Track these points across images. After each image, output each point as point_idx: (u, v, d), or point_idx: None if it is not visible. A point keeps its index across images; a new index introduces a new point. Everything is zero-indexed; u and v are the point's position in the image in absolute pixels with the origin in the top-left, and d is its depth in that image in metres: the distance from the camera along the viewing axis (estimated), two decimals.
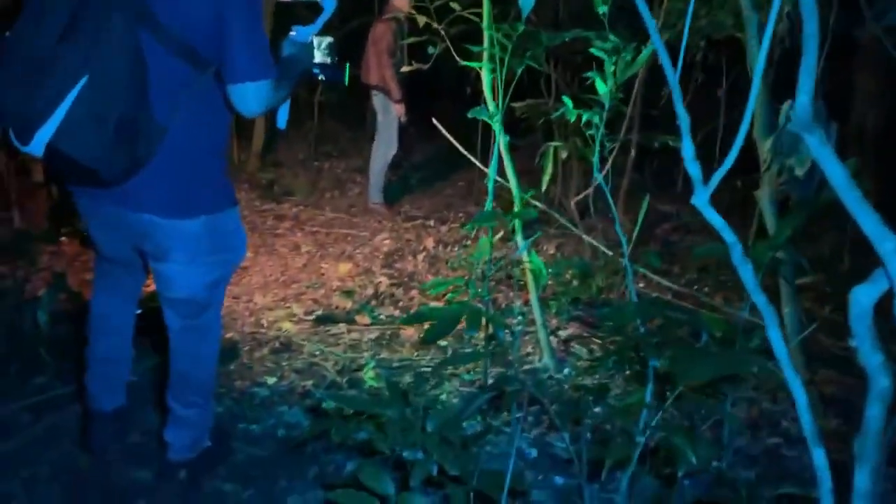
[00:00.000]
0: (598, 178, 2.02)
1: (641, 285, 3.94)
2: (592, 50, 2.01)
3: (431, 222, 5.11)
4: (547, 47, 2.12)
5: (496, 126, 2.32)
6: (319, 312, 3.38)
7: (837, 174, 1.13)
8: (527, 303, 3.65)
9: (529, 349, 3.14)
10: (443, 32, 3.12)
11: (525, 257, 2.32)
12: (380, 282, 3.86)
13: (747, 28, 2.63)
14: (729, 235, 1.14)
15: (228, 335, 3.09)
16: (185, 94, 1.65)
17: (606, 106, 2.01)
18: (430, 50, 3.13)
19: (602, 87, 2.00)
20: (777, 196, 2.80)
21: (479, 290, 2.33)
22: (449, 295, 2.94)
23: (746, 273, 1.16)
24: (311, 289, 3.69)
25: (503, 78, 2.19)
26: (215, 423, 2.14)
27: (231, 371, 2.77)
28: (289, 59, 1.81)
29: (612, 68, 1.96)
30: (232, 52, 1.62)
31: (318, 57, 1.90)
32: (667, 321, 2.00)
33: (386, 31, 5.03)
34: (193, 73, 1.64)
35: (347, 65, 2.01)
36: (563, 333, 3.34)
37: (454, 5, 3.06)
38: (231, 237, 1.88)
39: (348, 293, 3.63)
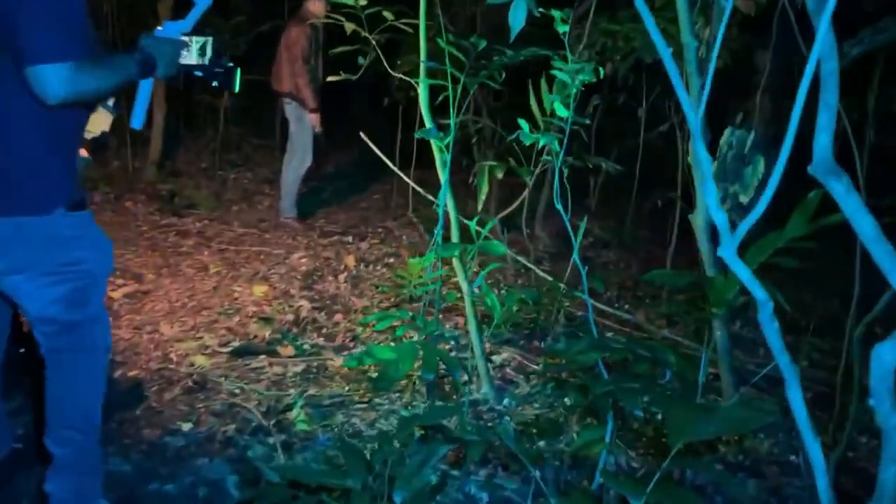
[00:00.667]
0: (559, 207, 1.90)
1: (566, 304, 3.89)
2: (555, 71, 1.89)
3: (350, 238, 4.86)
4: (504, 65, 1.99)
5: (439, 149, 2.16)
6: (236, 343, 3.06)
7: (866, 225, 1.04)
8: (460, 326, 3.52)
9: (464, 377, 2.99)
10: (373, 42, 2.92)
11: (476, 291, 2.18)
12: (300, 305, 3.58)
13: (685, 54, 2.62)
14: (760, 293, 1.03)
15: (132, 373, 2.73)
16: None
17: (567, 130, 1.90)
18: (361, 60, 2.92)
19: (563, 111, 1.89)
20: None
21: (423, 321, 2.14)
22: (379, 324, 2.73)
23: (773, 334, 1.06)
24: (224, 315, 3.36)
25: (456, 96, 2.04)
26: (121, 482, 1.84)
27: (137, 417, 2.42)
28: (137, 51, 1.63)
29: (575, 90, 1.85)
30: (27, 29, 1.46)
31: (191, 58, 1.71)
32: (631, 358, 1.91)
33: (300, 35, 4.75)
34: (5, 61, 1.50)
35: (238, 70, 1.82)
36: (497, 359, 3.22)
37: (386, 14, 2.88)
38: (73, 244, 1.66)
39: (266, 320, 3.33)
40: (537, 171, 3.65)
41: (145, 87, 1.70)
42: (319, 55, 4.88)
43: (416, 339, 2.45)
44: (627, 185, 5.30)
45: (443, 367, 3.08)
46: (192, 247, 4.33)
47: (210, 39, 1.72)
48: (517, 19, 1.24)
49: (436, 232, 2.16)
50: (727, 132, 2.77)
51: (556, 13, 1.80)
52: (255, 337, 3.16)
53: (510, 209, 4.39)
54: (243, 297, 3.62)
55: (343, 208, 5.68)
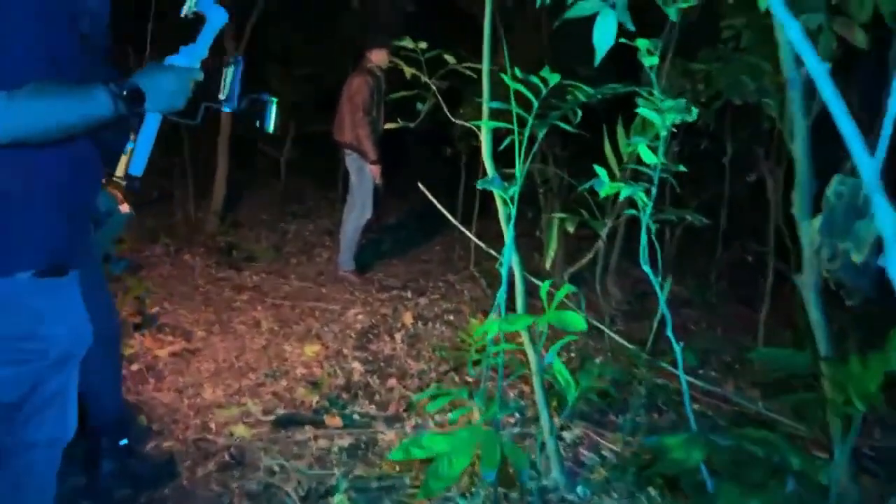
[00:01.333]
0: (647, 269, 1.57)
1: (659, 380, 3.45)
2: (641, 109, 1.60)
3: (409, 293, 4.62)
4: (579, 104, 1.72)
5: (504, 201, 1.88)
6: (281, 411, 2.82)
7: None
8: (526, 395, 3.17)
9: (532, 457, 2.63)
10: (433, 87, 2.73)
11: (549, 367, 1.86)
12: (353, 368, 3.32)
13: (790, 92, 2.27)
14: None
15: (167, 444, 2.51)
16: None
17: (655, 180, 1.59)
18: (420, 106, 2.72)
19: (650, 157, 1.58)
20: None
21: (484, 401, 1.83)
22: (431, 403, 2.41)
23: None
24: (271, 378, 3.13)
25: (522, 141, 1.77)
26: None
27: (165, 497, 2.18)
28: (106, 81, 1.31)
29: (665, 133, 1.55)
30: None
31: (225, 91, 1.47)
32: (740, 456, 1.53)
33: (362, 85, 4.65)
34: None
35: (275, 103, 1.53)
36: (567, 436, 2.84)
37: (448, 58, 2.68)
38: (37, 318, 1.33)
39: (315, 384, 3.08)
40: (611, 223, 3.34)
41: (148, 127, 1.42)
42: (381, 106, 4.77)
43: (475, 421, 2.13)
44: (708, 238, 4.88)
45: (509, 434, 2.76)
46: (247, 302, 4.18)
47: (231, 70, 1.47)
48: (604, 36, 0.97)
49: (498, 297, 1.87)
50: (836, 180, 2.38)
51: (641, 42, 1.53)
52: (302, 404, 2.91)
53: (580, 264, 4.06)
54: (293, 357, 3.40)
55: (403, 261, 5.47)
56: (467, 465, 1.52)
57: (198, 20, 1.53)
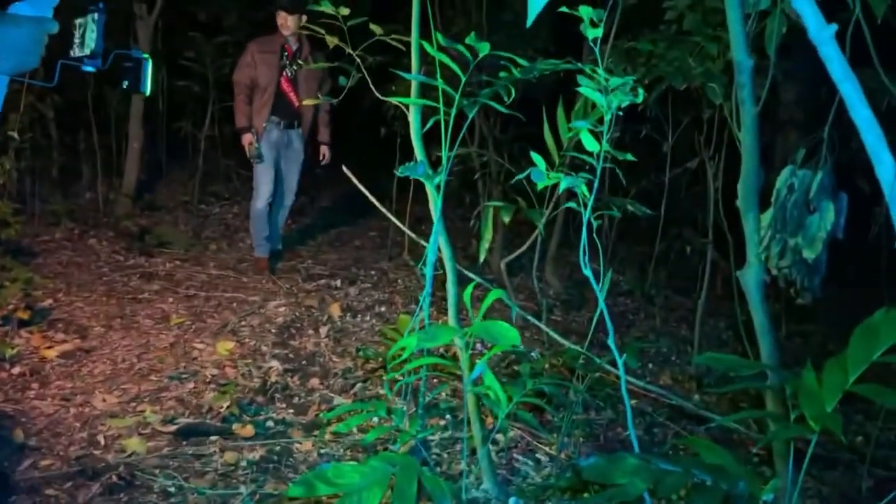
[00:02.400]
0: (587, 272, 1.38)
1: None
2: (583, 89, 1.38)
3: (338, 282, 4.34)
4: (514, 81, 1.49)
5: (431, 189, 1.65)
6: (184, 420, 2.52)
7: None
8: (458, 392, 2.97)
9: (462, 466, 2.44)
10: (358, 61, 2.45)
11: (478, 381, 1.65)
12: (270, 367, 3.05)
13: (738, 77, 2.11)
14: None
15: (45, 463, 2.19)
16: None
17: (598, 170, 1.39)
18: (342, 81, 2.44)
19: (592, 144, 1.38)
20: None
21: (403, 418, 1.61)
22: (342, 424, 2.17)
23: None
24: (176, 381, 2.82)
25: (449, 122, 1.53)
26: None
27: None
28: None
29: (609, 116, 1.34)
30: None
31: (78, 48, 1.21)
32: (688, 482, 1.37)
33: (244, 54, 4.20)
34: None
35: (149, 63, 1.28)
36: (500, 438, 2.66)
37: (375, 28, 2.40)
38: None
39: (226, 387, 2.79)
40: (549, 213, 3.16)
41: None
42: (298, 76, 4.21)
43: (393, 444, 1.91)
44: (645, 227, 4.80)
45: (439, 439, 2.55)
46: (156, 293, 3.81)
47: (92, 18, 1.20)
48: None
49: (421, 300, 1.64)
50: (786, 172, 2.25)
51: (584, 10, 1.31)
52: (210, 410, 2.61)
53: (517, 253, 3.88)
54: (204, 356, 3.09)
55: (333, 248, 5.18)
56: (381, 499, 1.29)
57: None
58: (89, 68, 1.26)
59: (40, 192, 4.82)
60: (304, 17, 4.00)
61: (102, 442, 2.33)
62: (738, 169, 2.16)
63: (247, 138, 4.14)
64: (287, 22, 4.05)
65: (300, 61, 4.16)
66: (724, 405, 3.28)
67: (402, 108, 2.51)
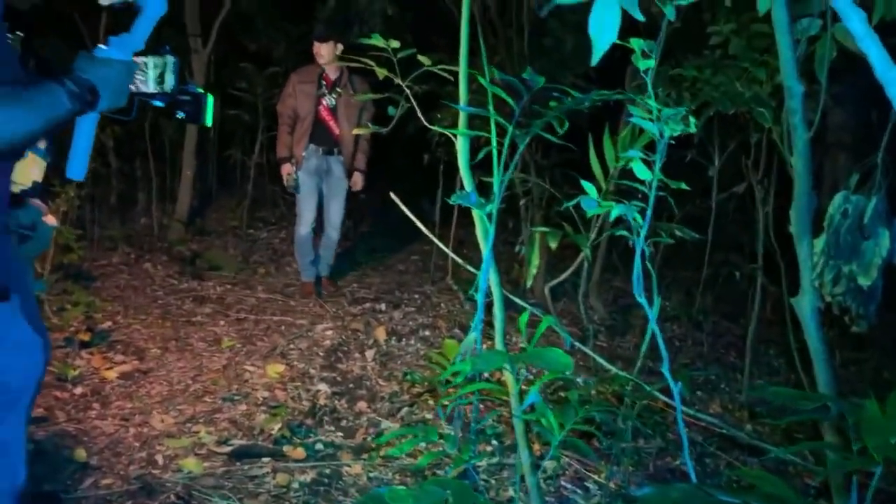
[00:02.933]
0: (642, 300, 1.38)
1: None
2: (634, 119, 1.41)
3: (382, 306, 4.40)
4: (567, 111, 1.52)
5: (482, 217, 1.68)
6: (237, 442, 2.58)
7: None
8: (505, 418, 2.97)
9: (510, 493, 2.43)
10: (406, 90, 2.52)
11: (529, 408, 1.66)
12: (319, 390, 3.10)
13: (789, 103, 2.10)
14: None
15: (106, 482, 2.27)
16: None
17: (651, 198, 1.40)
18: (391, 111, 2.50)
19: (644, 172, 1.40)
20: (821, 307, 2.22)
21: (456, 444, 1.62)
22: (396, 447, 2.19)
23: None
24: (228, 403, 2.90)
25: (502, 152, 1.57)
26: None
27: None
28: (61, 79, 1.18)
29: (663, 145, 1.36)
30: None
31: (148, 85, 1.30)
32: None
33: (286, 84, 4.36)
34: None
35: (210, 98, 1.39)
36: (549, 465, 2.65)
37: (423, 59, 2.47)
38: None
39: (277, 409, 2.85)
40: (595, 238, 3.16)
41: (86, 126, 1.27)
42: (339, 106, 4.27)
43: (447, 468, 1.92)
44: (691, 250, 4.74)
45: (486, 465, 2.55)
46: (208, 315, 3.93)
47: (170, 61, 1.31)
48: (605, 29, 0.77)
49: (473, 326, 1.66)
50: (839, 198, 2.21)
51: (636, 42, 1.34)
52: (262, 432, 2.67)
53: (561, 278, 3.88)
54: (254, 378, 3.16)
55: (378, 272, 5.25)
56: None
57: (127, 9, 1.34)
58: (159, 103, 1.36)
59: (99, 219, 5.03)
60: (340, 46, 4.15)
61: (160, 461, 2.40)
62: (787, 193, 2.14)
63: (285, 168, 4.26)
64: (320, 51, 4.14)
65: (339, 90, 4.24)
66: (777, 435, 3.19)
67: (447, 135, 2.56)
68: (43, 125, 1.15)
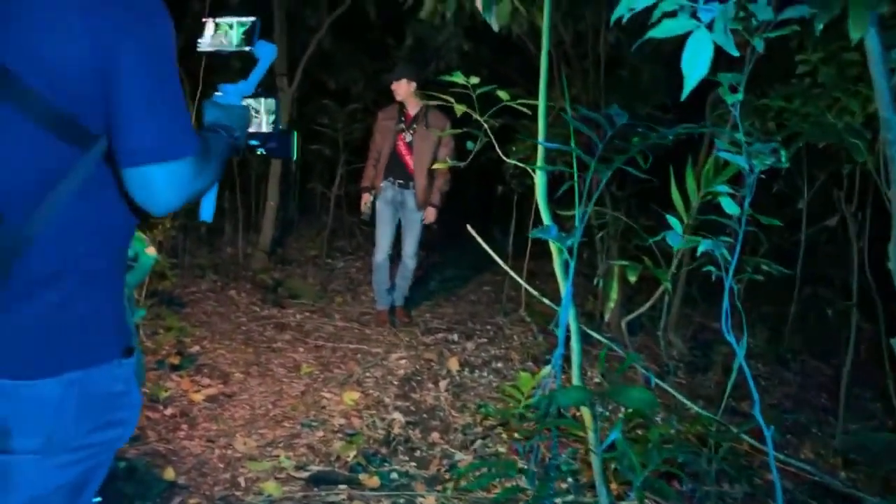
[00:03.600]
0: (730, 338, 1.34)
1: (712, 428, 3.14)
2: (721, 153, 1.39)
3: (455, 336, 4.42)
4: (651, 146, 1.52)
5: (563, 251, 1.68)
6: (315, 467, 2.64)
7: None
8: (581, 455, 2.90)
9: None
10: (485, 126, 2.57)
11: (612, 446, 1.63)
12: (393, 419, 3.13)
13: (885, 134, 2.01)
14: None
15: (192, 500, 2.36)
16: (57, 185, 1.04)
17: (740, 235, 1.37)
18: (470, 146, 2.55)
19: (733, 208, 1.37)
20: None
21: (534, 479, 1.61)
22: (475, 482, 2.18)
23: None
24: (307, 429, 2.97)
25: (583, 187, 1.58)
26: None
27: None
28: (211, 128, 1.23)
29: (752, 181, 1.33)
30: (129, 119, 1.04)
31: (259, 124, 1.37)
32: None
33: (375, 121, 4.58)
34: (70, 154, 1.04)
35: (295, 133, 1.45)
36: None
37: (501, 94, 2.52)
38: (116, 404, 1.17)
39: (353, 436, 2.89)
40: (675, 271, 3.08)
41: None
42: (417, 140, 4.38)
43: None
44: (775, 284, 4.54)
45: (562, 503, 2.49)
46: (288, 342, 4.06)
47: (274, 102, 1.38)
48: (697, 62, 0.78)
49: (553, 362, 1.65)
50: None
51: (723, 77, 1.33)
52: (338, 459, 2.72)
53: (639, 312, 3.79)
54: (331, 405, 3.23)
55: (451, 302, 5.29)
56: None
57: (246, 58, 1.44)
58: (255, 142, 1.44)
59: (190, 248, 5.32)
60: (413, 84, 4.31)
61: (243, 483, 2.48)
62: (883, 226, 2.03)
63: (363, 198, 4.51)
64: (397, 89, 4.33)
65: (414, 126, 4.36)
66: (875, 484, 2.97)
67: (521, 166, 2.59)
68: (219, 173, 1.22)
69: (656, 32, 0.83)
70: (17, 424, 1.07)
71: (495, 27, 2.93)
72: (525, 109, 2.63)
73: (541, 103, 2.11)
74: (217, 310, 4.49)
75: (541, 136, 1.99)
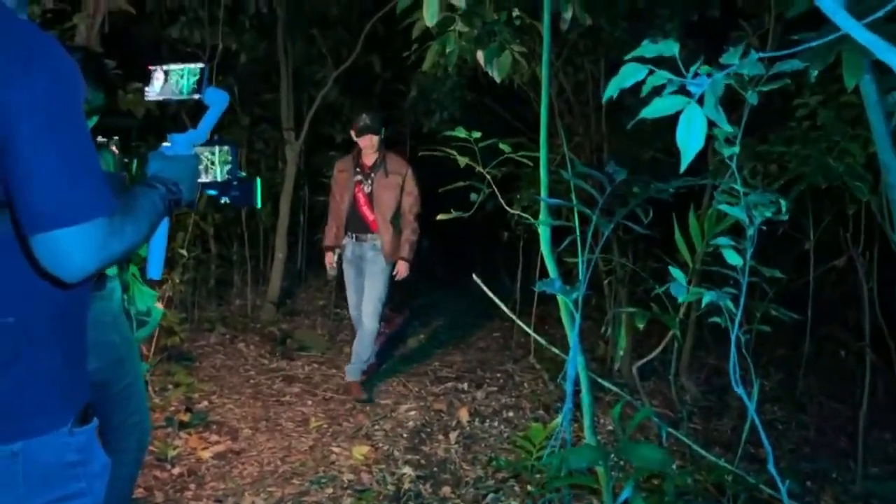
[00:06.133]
0: (740, 391, 1.33)
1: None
2: (721, 206, 1.40)
3: (465, 385, 4.38)
4: (650, 200, 1.53)
5: (569, 304, 1.68)
6: None
7: None
8: None
9: None
10: (488, 178, 2.61)
11: None
12: (403, 474, 3.08)
13: (887, 176, 2.02)
14: None
15: None
16: None
17: (744, 286, 1.37)
18: (474, 197, 2.59)
19: (735, 258, 1.37)
20: None
21: None
22: None
23: None
24: (316, 486, 2.92)
25: (586, 239, 1.59)
26: None
27: None
28: (149, 182, 1.20)
29: (752, 232, 1.34)
30: (29, 185, 0.99)
31: (215, 174, 1.33)
32: None
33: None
34: None
35: (259, 181, 1.41)
36: None
37: (503, 146, 2.57)
38: (70, 475, 1.12)
39: (362, 494, 2.85)
40: (684, 317, 3.06)
41: (162, 226, 1.28)
42: (378, 192, 4.09)
43: None
44: (789, 328, 4.49)
45: None
46: (296, 395, 4.03)
47: (228, 150, 1.34)
48: (692, 136, 0.80)
49: (562, 419, 1.63)
50: None
51: (719, 133, 1.35)
52: None
53: (649, 357, 3.75)
54: (341, 460, 3.19)
55: (460, 349, 5.25)
56: None
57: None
58: (212, 192, 1.39)
59: (199, 301, 5.34)
60: (377, 137, 3.99)
61: None
62: (892, 267, 2.02)
63: (327, 258, 4.23)
64: (369, 143, 4.02)
65: (373, 175, 4.06)
66: None
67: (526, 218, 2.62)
68: (150, 231, 1.17)
69: (648, 113, 0.85)
70: None
71: (497, 79, 3.00)
72: (527, 161, 2.68)
73: (542, 157, 2.14)
74: (226, 363, 4.48)
75: (543, 192, 2.01)
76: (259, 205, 1.40)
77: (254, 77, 6.01)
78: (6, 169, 0.99)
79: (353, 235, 4.13)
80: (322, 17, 5.74)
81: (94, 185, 1.03)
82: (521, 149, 2.71)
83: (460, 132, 2.39)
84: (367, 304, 4.11)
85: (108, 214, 1.03)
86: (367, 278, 4.13)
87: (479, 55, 2.96)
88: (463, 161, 2.69)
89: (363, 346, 4.14)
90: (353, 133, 4.09)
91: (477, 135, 2.47)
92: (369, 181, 4.09)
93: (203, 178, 1.34)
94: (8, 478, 1.05)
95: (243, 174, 1.38)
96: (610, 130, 4.70)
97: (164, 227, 1.29)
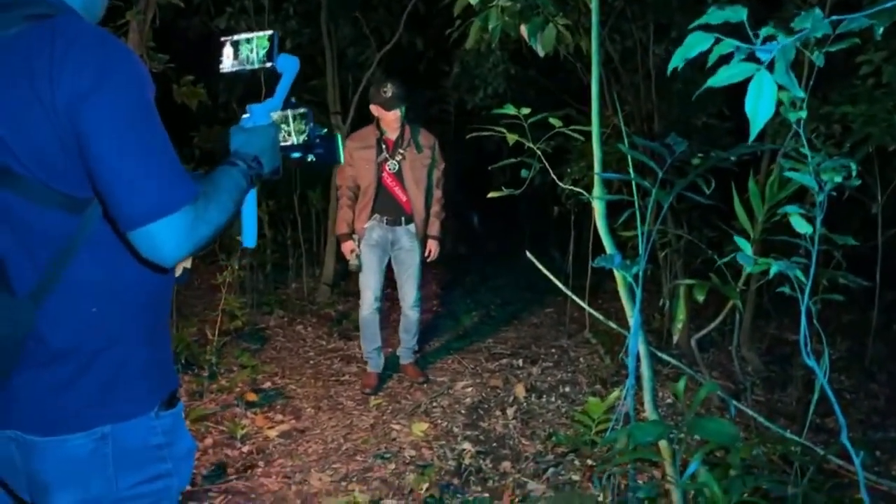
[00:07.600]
0: (812, 363, 1.29)
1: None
2: (788, 173, 1.35)
3: (520, 362, 4.39)
4: (711, 168, 1.50)
5: (628, 279, 1.66)
6: (389, 501, 2.66)
7: None
8: (657, 478, 2.82)
9: None
10: (539, 153, 2.58)
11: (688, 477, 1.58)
12: (463, 449, 3.13)
13: None
14: None
15: None
16: (55, 251, 1.07)
17: (814, 255, 1.33)
18: (524, 173, 2.56)
19: (804, 227, 1.33)
20: None
21: None
22: None
23: None
24: (379, 461, 3.00)
25: (645, 213, 1.56)
26: None
27: None
28: (230, 160, 1.22)
29: (822, 196, 1.29)
30: (113, 184, 1.04)
31: (294, 138, 1.33)
32: None
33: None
34: (64, 220, 1.07)
35: (339, 136, 1.40)
36: None
37: (553, 121, 2.53)
38: (157, 456, 1.17)
39: (425, 469, 2.91)
40: (744, 285, 2.99)
41: (251, 197, 1.30)
42: (413, 170, 3.76)
43: None
44: (859, 295, 4.33)
45: None
46: (355, 374, 4.12)
47: (305, 112, 1.34)
48: (762, 104, 0.77)
49: (625, 395, 1.63)
50: None
51: (785, 96, 1.30)
52: (412, 492, 2.74)
53: (708, 329, 3.68)
54: (401, 437, 3.26)
55: (513, 325, 5.26)
56: None
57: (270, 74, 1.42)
58: (297, 154, 1.39)
59: (256, 285, 5.49)
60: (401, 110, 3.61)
61: None
62: None
63: (346, 247, 3.79)
64: (393, 118, 3.62)
65: (402, 151, 3.72)
66: None
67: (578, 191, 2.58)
68: (235, 208, 1.18)
69: (715, 81, 0.83)
70: (54, 480, 1.11)
71: (541, 53, 2.95)
72: (578, 136, 2.63)
73: (594, 132, 2.11)
74: (286, 345, 4.61)
75: (597, 167, 1.98)
76: (342, 160, 1.40)
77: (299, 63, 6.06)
78: (90, 168, 1.04)
79: (383, 219, 3.76)
80: None
81: (175, 175, 1.07)
82: (570, 122, 2.67)
83: (509, 108, 2.37)
84: (409, 294, 3.92)
85: (192, 201, 1.07)
86: (404, 267, 3.86)
87: (523, 29, 2.92)
88: (512, 138, 2.67)
89: (410, 334, 4.04)
90: (377, 107, 3.63)
91: (526, 111, 2.44)
92: (396, 159, 3.73)
93: (285, 143, 1.34)
94: (99, 459, 1.12)
95: (324, 130, 1.37)
96: (660, 98, 4.58)
97: (252, 196, 1.30)
